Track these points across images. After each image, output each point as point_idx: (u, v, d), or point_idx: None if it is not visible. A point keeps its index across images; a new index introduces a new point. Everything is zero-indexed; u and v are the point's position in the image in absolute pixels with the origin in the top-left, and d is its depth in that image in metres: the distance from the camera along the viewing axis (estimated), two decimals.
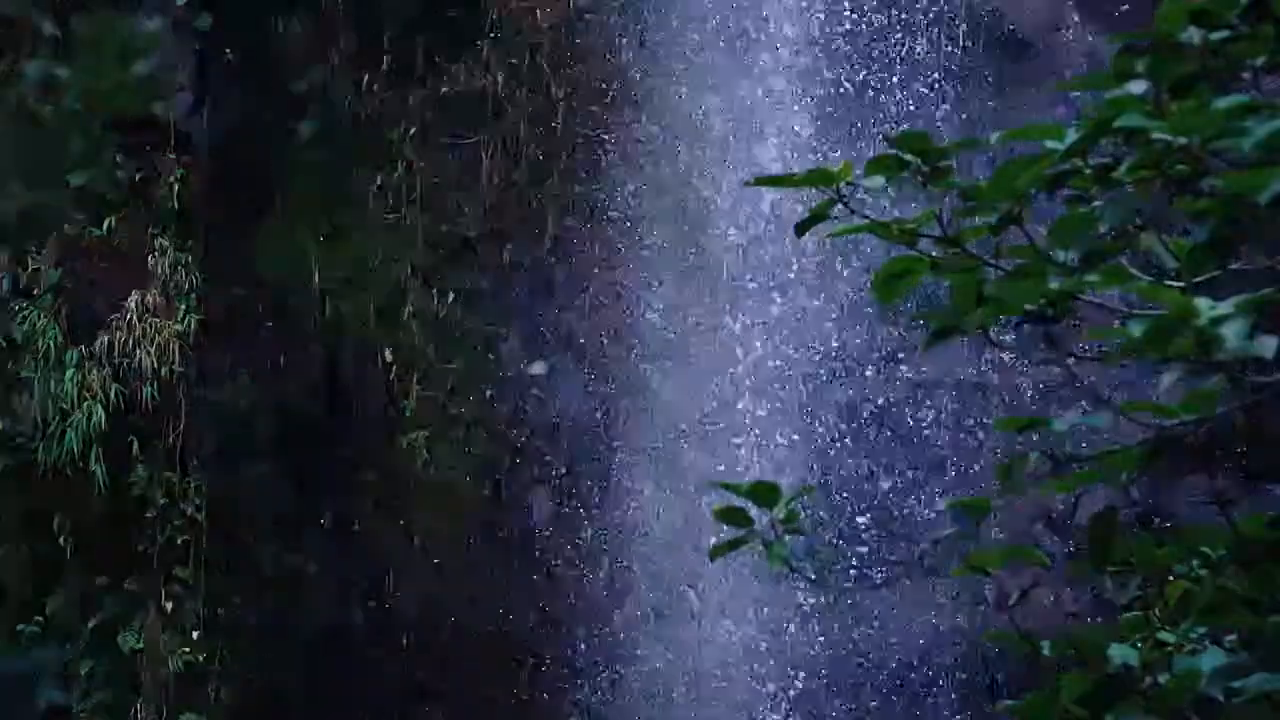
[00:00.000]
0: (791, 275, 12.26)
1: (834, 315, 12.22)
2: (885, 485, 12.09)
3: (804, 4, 12.43)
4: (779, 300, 12.26)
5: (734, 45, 12.48)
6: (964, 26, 12.32)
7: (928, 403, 12.07)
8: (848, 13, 12.36)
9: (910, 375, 12.12)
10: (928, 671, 11.93)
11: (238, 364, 12.74)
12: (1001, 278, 3.61)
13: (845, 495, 12.09)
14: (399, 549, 12.66)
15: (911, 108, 12.34)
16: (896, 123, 12.30)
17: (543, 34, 12.81)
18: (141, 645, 12.27)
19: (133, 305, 12.32)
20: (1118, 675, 3.85)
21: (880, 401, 12.13)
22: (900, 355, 12.17)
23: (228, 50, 12.79)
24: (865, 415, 12.12)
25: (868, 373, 12.17)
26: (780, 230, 12.29)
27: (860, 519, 12.13)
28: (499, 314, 12.82)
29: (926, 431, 12.05)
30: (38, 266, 12.49)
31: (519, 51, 12.80)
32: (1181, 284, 3.55)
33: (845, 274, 12.23)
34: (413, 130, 12.82)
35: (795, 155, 12.28)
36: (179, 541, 12.39)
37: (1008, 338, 10.39)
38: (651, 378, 12.43)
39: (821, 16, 12.35)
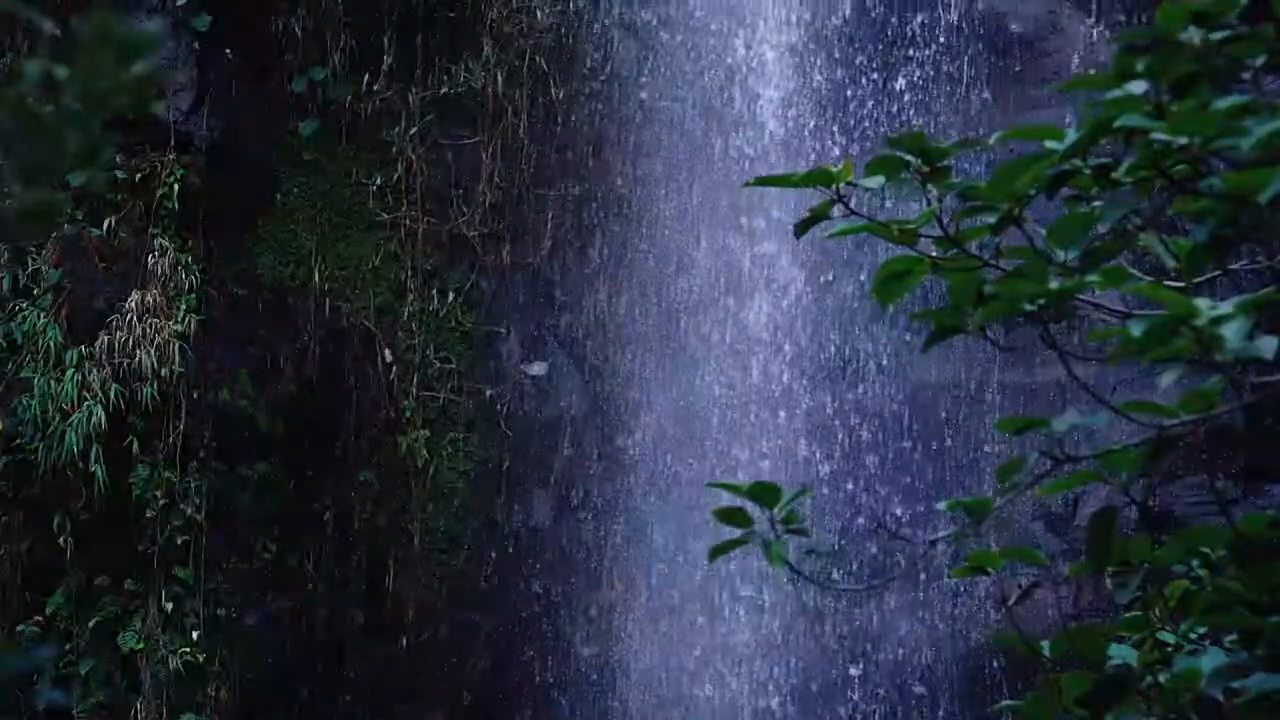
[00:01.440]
0: (780, 421, 12.15)
1: (828, 463, 12.11)
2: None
3: (792, 140, 12.29)
4: (766, 460, 12.16)
5: (723, 195, 12.38)
6: (963, 27, 12.32)
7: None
8: (838, 143, 12.21)
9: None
10: (928, 672, 11.93)
11: (238, 364, 12.74)
12: (1001, 278, 3.61)
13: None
14: (399, 549, 12.66)
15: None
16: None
17: (543, 34, 12.81)
18: (141, 645, 12.27)
19: (133, 305, 12.31)
20: (1118, 675, 3.85)
21: (874, 550, 12.07)
22: (895, 494, 12.09)
23: (228, 50, 12.80)
24: (857, 565, 12.07)
25: (862, 498, 12.12)
26: (768, 385, 12.19)
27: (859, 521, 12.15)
28: (499, 314, 12.82)
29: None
30: (38, 266, 12.49)
31: (519, 51, 12.80)
32: (1181, 284, 3.55)
33: (836, 414, 12.13)
34: (413, 130, 12.82)
35: (785, 312, 12.19)
36: (179, 541, 12.39)
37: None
38: (643, 514, 12.38)
39: (813, 155, 12.19)
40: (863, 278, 12.05)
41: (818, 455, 12.13)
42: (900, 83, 12.23)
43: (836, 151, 12.13)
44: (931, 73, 12.17)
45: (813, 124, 12.24)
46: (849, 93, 12.18)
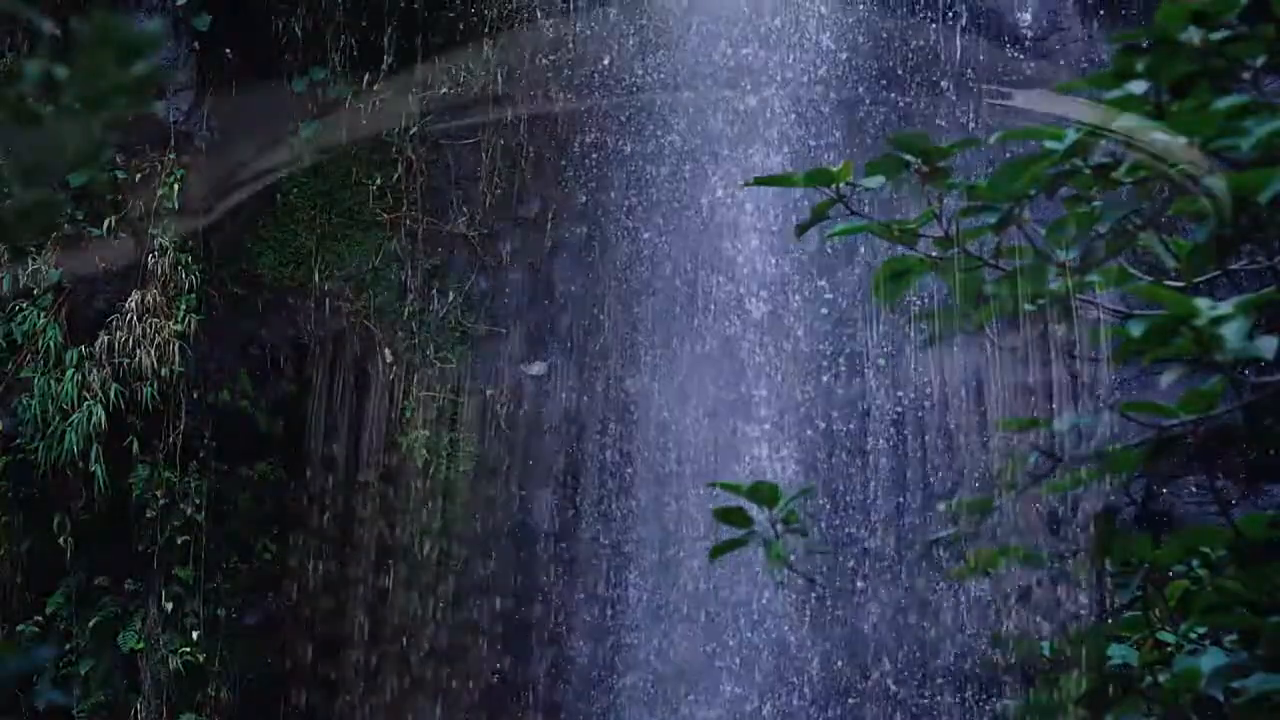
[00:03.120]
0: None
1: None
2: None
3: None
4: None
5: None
6: (964, 26, 12.32)
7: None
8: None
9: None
10: (928, 671, 11.93)
11: (238, 364, 12.74)
12: (1001, 278, 3.61)
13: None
14: (399, 549, 12.66)
15: None
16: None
17: (543, 34, 12.81)
18: (141, 645, 12.27)
19: (133, 305, 12.31)
20: (1118, 675, 3.85)
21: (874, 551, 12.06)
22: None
23: (228, 50, 12.79)
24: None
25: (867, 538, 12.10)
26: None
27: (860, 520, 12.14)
28: (499, 314, 12.82)
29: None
30: (38, 266, 12.49)
31: (519, 51, 12.80)
32: (1181, 284, 3.55)
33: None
34: (413, 130, 12.82)
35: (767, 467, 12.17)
36: (179, 541, 12.38)
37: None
38: (643, 512, 12.36)
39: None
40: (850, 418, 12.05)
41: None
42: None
43: (827, 296, 12.18)
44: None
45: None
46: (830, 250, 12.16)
